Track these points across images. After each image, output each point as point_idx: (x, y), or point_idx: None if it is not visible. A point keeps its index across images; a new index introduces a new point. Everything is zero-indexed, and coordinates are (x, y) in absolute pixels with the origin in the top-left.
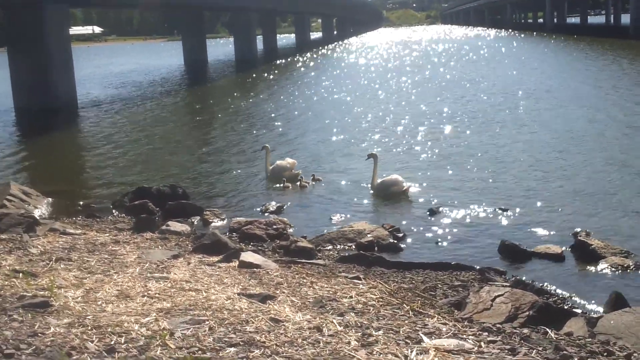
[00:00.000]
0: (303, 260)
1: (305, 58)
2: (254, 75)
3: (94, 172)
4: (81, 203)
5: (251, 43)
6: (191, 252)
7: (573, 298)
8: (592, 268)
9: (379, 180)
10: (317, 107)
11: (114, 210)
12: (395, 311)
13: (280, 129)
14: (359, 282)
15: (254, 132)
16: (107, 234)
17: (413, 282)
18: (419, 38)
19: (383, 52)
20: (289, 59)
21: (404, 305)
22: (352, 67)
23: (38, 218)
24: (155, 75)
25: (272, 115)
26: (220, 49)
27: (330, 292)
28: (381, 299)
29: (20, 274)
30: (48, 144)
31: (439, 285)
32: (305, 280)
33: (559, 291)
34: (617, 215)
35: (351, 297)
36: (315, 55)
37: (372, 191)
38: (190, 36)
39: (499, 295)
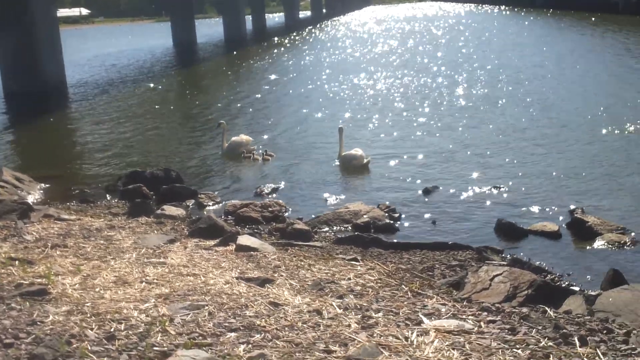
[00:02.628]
0: (300, 243)
1: (294, 38)
2: (244, 55)
3: (86, 156)
4: (74, 188)
5: (240, 23)
6: (187, 236)
7: (571, 275)
8: (589, 245)
9: (344, 153)
10: (301, 87)
11: (107, 195)
12: (394, 292)
13: (267, 109)
14: (357, 263)
15: (245, 114)
16: (102, 219)
17: (410, 262)
18: (409, 15)
19: (370, 30)
20: (278, 39)
21: (403, 286)
22: (340, 47)
23: (32, 204)
24: (144, 56)
25: (260, 95)
26: (209, 29)
27: (329, 275)
28: (379, 280)
29: (17, 262)
30: (38, 129)
31: (437, 266)
32: (303, 263)
33: (556, 269)
34: (612, 192)
35: (349, 279)
36: (304, 34)
37: (338, 163)
38: (179, 17)
39: (497, 275)
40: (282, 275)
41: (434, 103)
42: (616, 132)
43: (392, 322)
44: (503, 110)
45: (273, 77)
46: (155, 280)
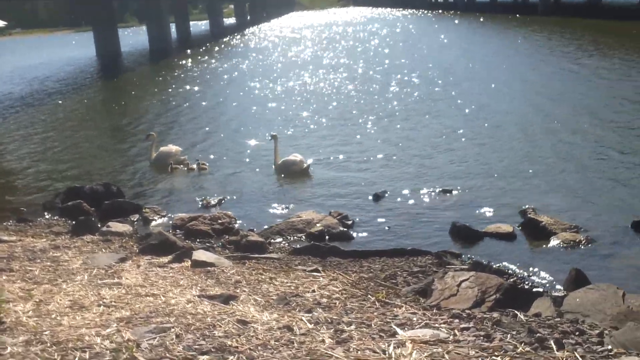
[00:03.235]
0: (256, 255)
1: (219, 46)
2: (170, 65)
3: (16, 173)
4: (8, 206)
5: (165, 32)
6: (138, 253)
7: (532, 277)
8: (545, 245)
9: (281, 160)
10: (232, 96)
11: (45, 213)
12: (362, 303)
13: (197, 119)
14: (319, 274)
15: (175, 124)
16: (45, 239)
17: (372, 270)
18: (330, 20)
19: (296, 35)
20: (203, 48)
21: (369, 296)
22: (265, 55)
23: None
24: (67, 68)
25: (189, 105)
26: (132, 38)
27: (292, 288)
28: (344, 291)
29: None
30: None
31: (399, 273)
32: (263, 277)
33: (517, 271)
34: (556, 190)
35: (314, 291)
36: (231, 41)
37: (274, 171)
38: (101, 27)
39: (464, 280)
40: (244, 291)
41: (368, 107)
42: (548, 129)
43: (366, 335)
44: (438, 112)
45: (201, 86)
46: (113, 303)
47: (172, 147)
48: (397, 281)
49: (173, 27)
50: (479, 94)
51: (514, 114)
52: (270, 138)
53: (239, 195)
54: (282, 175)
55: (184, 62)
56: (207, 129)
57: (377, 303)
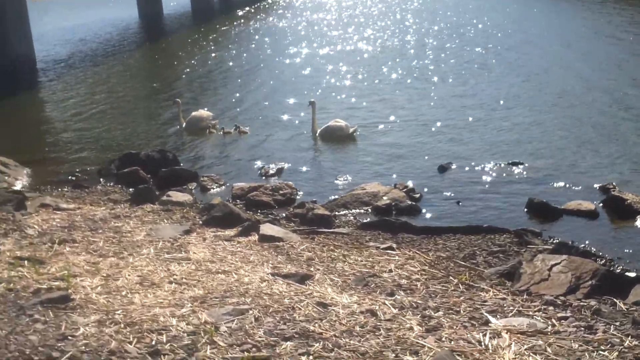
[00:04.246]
0: (325, 230)
1: (262, 5)
2: (211, 27)
3: (67, 137)
4: (63, 172)
5: None
6: (202, 225)
7: (624, 260)
8: (632, 224)
9: (324, 126)
10: (271, 59)
11: (101, 179)
12: (445, 286)
13: (233, 84)
14: (393, 252)
15: (211, 88)
16: (104, 208)
17: (448, 249)
18: None
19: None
20: (245, 9)
21: (451, 278)
22: (309, 15)
23: (24, 192)
24: (111, 30)
25: (232, 70)
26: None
27: (367, 267)
28: (423, 272)
29: (26, 262)
30: (11, 108)
31: (477, 252)
32: (335, 254)
33: (604, 253)
34: (636, 165)
35: (391, 270)
36: (272, 5)
37: (313, 137)
38: None
39: (555, 264)
40: (318, 270)
41: (419, 71)
42: (619, 99)
43: (456, 323)
44: (495, 77)
45: (242, 49)
46: (184, 280)
47: (203, 112)
48: (477, 261)
49: None
50: (539, 60)
51: (580, 81)
52: (308, 104)
53: (294, 164)
54: (325, 142)
55: (226, 23)
56: (244, 93)
57: (460, 286)
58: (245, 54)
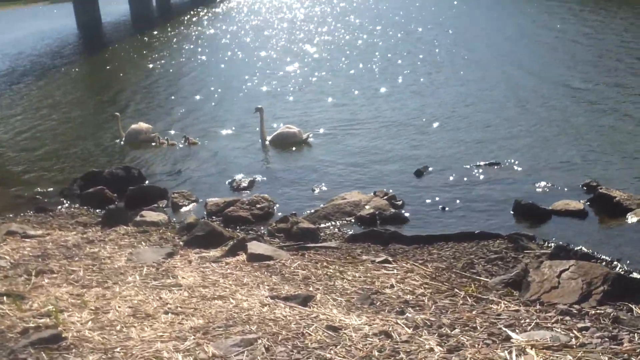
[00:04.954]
0: (314, 245)
1: (203, 13)
2: (151, 34)
3: (18, 156)
4: (23, 195)
5: None
6: (184, 246)
7: (622, 260)
8: (623, 223)
9: (275, 133)
10: (217, 66)
11: (64, 201)
12: (452, 299)
13: (178, 93)
14: (390, 266)
15: (164, 99)
16: (74, 232)
17: (444, 259)
18: None
19: (280, 5)
20: (185, 16)
21: (457, 290)
22: (248, 20)
23: None
24: (49, 41)
25: (175, 79)
26: (112, 6)
27: (368, 283)
28: (426, 285)
29: (4, 297)
30: None
31: (475, 261)
32: (331, 271)
33: (601, 254)
34: (622, 162)
35: (392, 286)
36: (212, 8)
37: (262, 145)
38: None
39: (564, 270)
40: (318, 289)
41: (370, 72)
42: (603, 96)
43: (477, 341)
44: (457, 76)
45: (183, 56)
46: (179, 309)
47: (142, 125)
48: (477, 271)
49: None
50: (503, 56)
51: (551, 77)
52: (255, 111)
53: (262, 175)
54: (278, 149)
55: (166, 30)
56: (189, 102)
57: (469, 299)
58: (187, 62)
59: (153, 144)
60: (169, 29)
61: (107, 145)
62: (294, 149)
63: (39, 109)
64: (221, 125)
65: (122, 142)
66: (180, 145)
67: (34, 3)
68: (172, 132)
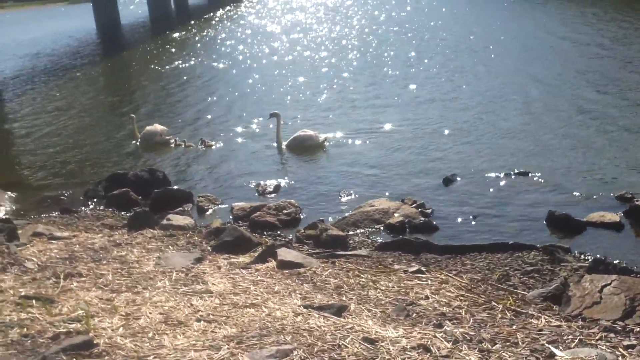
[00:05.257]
0: (344, 253)
1: (221, 15)
2: (170, 36)
3: (40, 156)
4: (47, 195)
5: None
6: (212, 252)
7: None
8: None
9: (292, 136)
10: (232, 70)
11: (89, 202)
12: (491, 313)
13: (199, 97)
14: (423, 276)
15: (180, 101)
16: (101, 235)
17: (478, 270)
18: None
19: (297, 6)
20: (203, 17)
21: (494, 303)
22: (268, 23)
23: (11, 220)
24: (69, 41)
25: (190, 81)
26: (130, 8)
27: (402, 293)
28: (462, 297)
29: (34, 301)
30: None
31: (511, 272)
32: (363, 280)
33: None
34: None
35: (427, 297)
36: (230, 11)
37: (279, 149)
38: None
39: (606, 285)
40: (351, 299)
41: (388, 76)
42: (632, 102)
43: (519, 357)
44: (479, 81)
45: (201, 58)
46: (211, 317)
47: (157, 126)
48: (513, 283)
49: None
50: (549, 64)
51: (591, 87)
52: (270, 116)
53: (287, 180)
54: (294, 153)
55: (184, 32)
56: (204, 105)
57: (507, 312)
58: (204, 64)
59: (172, 144)
60: (186, 30)
61: (122, 146)
62: (311, 153)
63: (58, 108)
64: (237, 128)
65: (137, 144)
66: (199, 146)
67: (53, 3)
68: (188, 134)
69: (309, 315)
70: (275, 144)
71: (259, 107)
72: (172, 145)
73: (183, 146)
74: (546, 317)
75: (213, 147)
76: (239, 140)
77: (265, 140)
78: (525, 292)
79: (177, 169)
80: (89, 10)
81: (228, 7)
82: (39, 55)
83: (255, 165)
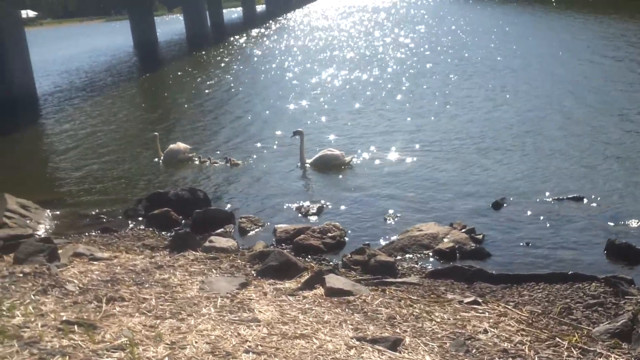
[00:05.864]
0: (394, 280)
1: (255, 34)
2: (206, 54)
3: (79, 173)
4: (86, 214)
5: (202, 19)
6: (257, 277)
7: None
8: None
9: (317, 155)
10: (261, 89)
11: (129, 222)
12: (556, 350)
13: (229, 115)
14: (480, 307)
15: (210, 119)
16: (142, 256)
17: (537, 301)
18: (365, 4)
19: (328, 25)
20: (238, 36)
21: (558, 340)
22: (301, 43)
23: (51, 238)
24: (106, 59)
25: (223, 99)
26: (167, 26)
27: (458, 326)
28: (523, 332)
29: (76, 326)
30: (15, 142)
31: (572, 305)
32: (417, 310)
33: None
34: None
35: (486, 331)
36: (264, 30)
37: (301, 168)
38: (137, 15)
39: None
40: (405, 332)
41: (419, 96)
42: None
43: None
44: (516, 102)
45: (231, 77)
46: (260, 348)
47: (181, 145)
48: (576, 317)
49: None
50: (587, 79)
51: (633, 105)
52: (293, 135)
53: (338, 200)
54: (319, 172)
55: (218, 50)
56: (234, 123)
57: (573, 350)
58: (235, 82)
59: (196, 161)
60: (221, 48)
61: (146, 164)
62: (339, 172)
63: (95, 125)
64: (263, 146)
65: (160, 162)
66: (225, 164)
67: (90, 21)
68: (214, 152)
69: (363, 348)
70: (298, 164)
71: (288, 125)
72: (197, 162)
73: (207, 163)
74: (615, 356)
75: (239, 165)
76: (266, 158)
77: (293, 158)
78: (590, 328)
79: (213, 188)
80: (126, 27)
81: (263, 26)
82: (77, 71)
83: (289, 185)
